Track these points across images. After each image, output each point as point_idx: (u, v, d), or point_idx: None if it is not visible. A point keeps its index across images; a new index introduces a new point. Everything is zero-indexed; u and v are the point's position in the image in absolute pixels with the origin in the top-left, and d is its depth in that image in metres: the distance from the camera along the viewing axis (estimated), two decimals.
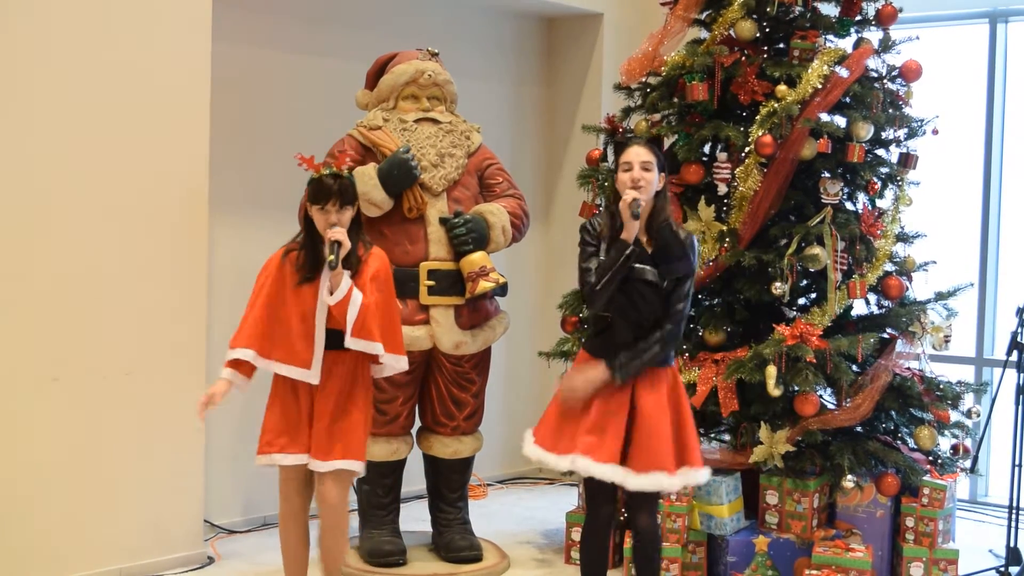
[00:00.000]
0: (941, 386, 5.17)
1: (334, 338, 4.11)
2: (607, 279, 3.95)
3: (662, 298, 4.01)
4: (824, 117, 5.12)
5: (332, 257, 3.98)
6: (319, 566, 4.35)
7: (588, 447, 3.97)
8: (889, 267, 5.24)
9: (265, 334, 4.12)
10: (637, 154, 4.04)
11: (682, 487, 4.14)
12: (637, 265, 3.99)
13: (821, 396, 5.01)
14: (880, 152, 5.39)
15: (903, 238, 5.31)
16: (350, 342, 4.04)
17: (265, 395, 5.89)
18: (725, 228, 5.16)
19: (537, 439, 4.14)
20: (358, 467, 4.19)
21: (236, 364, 4.14)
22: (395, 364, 4.21)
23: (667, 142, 5.47)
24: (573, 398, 4.03)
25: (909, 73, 5.32)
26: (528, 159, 7.12)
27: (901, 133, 5.34)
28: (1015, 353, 4.95)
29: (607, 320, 4.05)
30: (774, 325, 4.94)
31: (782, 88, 5.12)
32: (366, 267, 4.13)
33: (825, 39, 5.35)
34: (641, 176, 4.01)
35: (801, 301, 5.32)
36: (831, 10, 5.47)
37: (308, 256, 4.13)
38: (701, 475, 4.06)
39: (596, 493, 4.13)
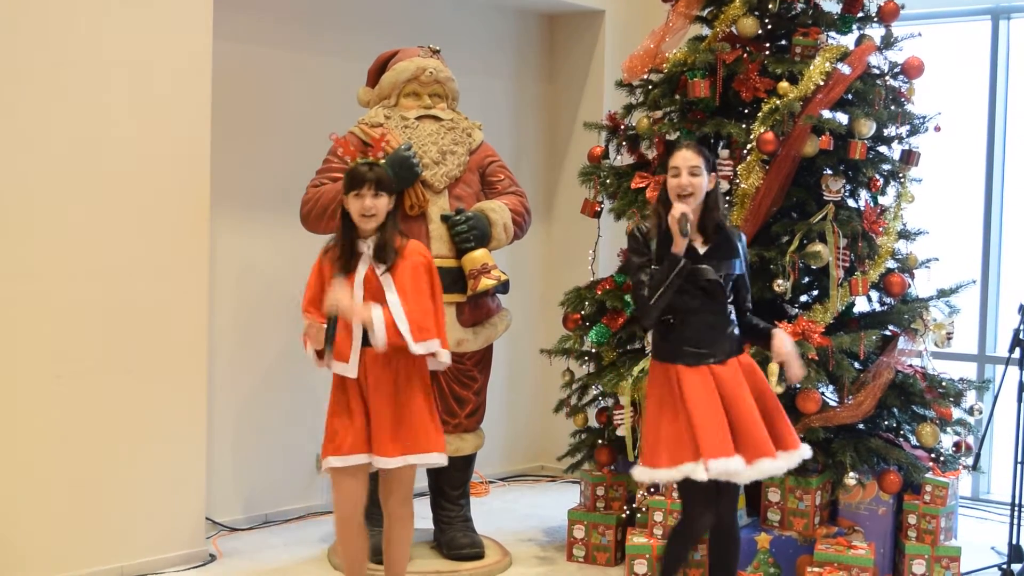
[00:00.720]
0: (943, 383, 5.17)
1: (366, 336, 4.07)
2: (660, 294, 3.95)
3: (724, 299, 4.05)
4: (826, 114, 5.11)
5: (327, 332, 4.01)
6: (385, 569, 4.31)
7: (712, 448, 3.92)
8: (891, 264, 5.23)
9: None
10: (685, 159, 4.06)
11: (787, 470, 4.10)
12: (698, 266, 4.01)
13: (823, 393, 5.00)
14: (882, 149, 5.38)
15: (905, 235, 5.30)
16: (415, 348, 4.03)
17: (269, 396, 5.93)
18: None
19: (645, 461, 4.07)
20: (440, 460, 4.15)
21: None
22: (446, 358, 4.18)
23: (668, 139, 5.46)
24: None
25: (911, 70, 5.31)
26: (530, 156, 7.11)
27: (903, 130, 5.33)
28: (1017, 350, 4.94)
29: (671, 323, 4.05)
30: (776, 322, 4.93)
31: (784, 85, 5.12)
32: (403, 261, 4.10)
33: (827, 36, 5.34)
34: (690, 182, 4.03)
35: (803, 298, 5.31)
36: (833, 7, 5.47)
37: (345, 249, 4.11)
38: (805, 451, 4.09)
39: (696, 493, 4.06)
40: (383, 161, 4.16)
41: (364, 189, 4.05)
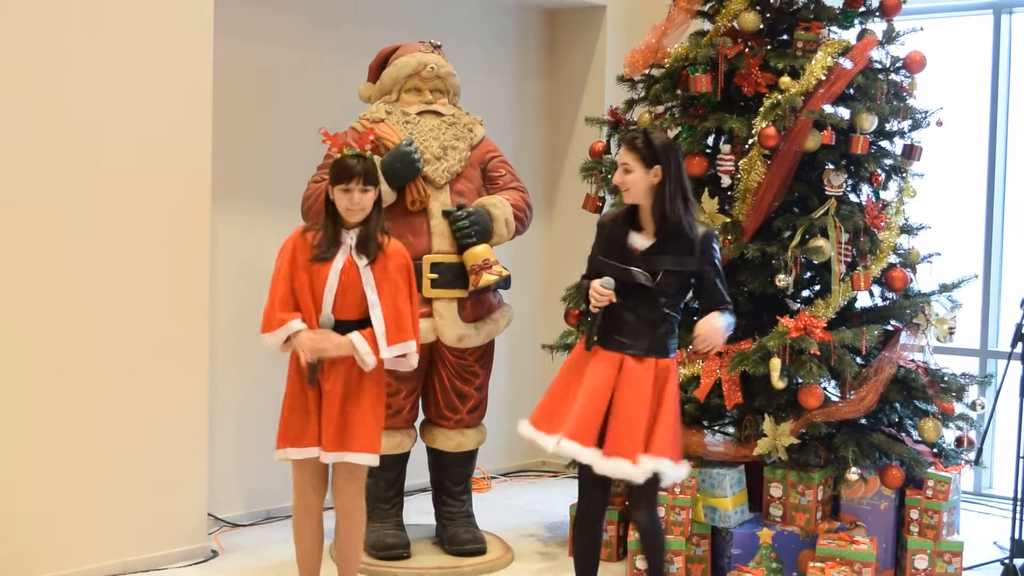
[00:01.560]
0: (945, 378, 5.17)
1: (342, 330, 4.10)
2: (579, 300, 4.00)
3: (657, 299, 4.04)
4: (828, 109, 5.10)
5: (309, 374, 4.07)
6: (336, 563, 4.34)
7: (573, 429, 4.01)
8: (893, 259, 5.23)
9: (287, 310, 4.13)
10: (619, 156, 4.13)
11: (646, 477, 4.04)
12: (630, 268, 4.03)
13: (825, 388, 5.00)
14: (884, 144, 5.37)
15: (907, 230, 5.30)
16: (387, 351, 4.07)
17: (271, 391, 5.91)
18: (729, 220, 5.15)
19: (532, 419, 4.18)
20: (370, 460, 4.17)
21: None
22: (415, 360, 4.22)
23: (671, 134, 5.45)
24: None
25: (913, 64, 5.30)
26: (531, 152, 7.11)
27: (905, 125, 5.33)
28: (1019, 345, 4.94)
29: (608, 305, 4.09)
30: (778, 317, 4.93)
31: (786, 80, 5.11)
32: (386, 259, 4.11)
33: (829, 30, 5.33)
34: (621, 180, 4.08)
35: (805, 293, 5.31)
36: (835, 1, 5.46)
37: (327, 237, 4.11)
38: (665, 466, 4.01)
39: (587, 480, 4.15)
40: (370, 154, 4.14)
41: (352, 183, 4.05)
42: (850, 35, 5.36)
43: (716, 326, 4.03)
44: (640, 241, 4.08)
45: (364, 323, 4.11)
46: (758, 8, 5.33)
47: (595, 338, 4.07)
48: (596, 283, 4.03)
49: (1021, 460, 4.93)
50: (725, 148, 5.19)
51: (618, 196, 5.45)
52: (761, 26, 5.35)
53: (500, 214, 5.13)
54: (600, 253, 4.15)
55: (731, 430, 5.28)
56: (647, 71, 5.63)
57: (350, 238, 4.11)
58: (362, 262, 4.09)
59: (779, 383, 4.80)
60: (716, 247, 4.12)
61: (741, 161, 5.11)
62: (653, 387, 4.04)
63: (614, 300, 4.00)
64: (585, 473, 4.12)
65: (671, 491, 4.95)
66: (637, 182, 4.04)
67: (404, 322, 4.10)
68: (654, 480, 4.04)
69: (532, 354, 6.70)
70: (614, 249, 4.10)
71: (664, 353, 4.08)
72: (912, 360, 5.14)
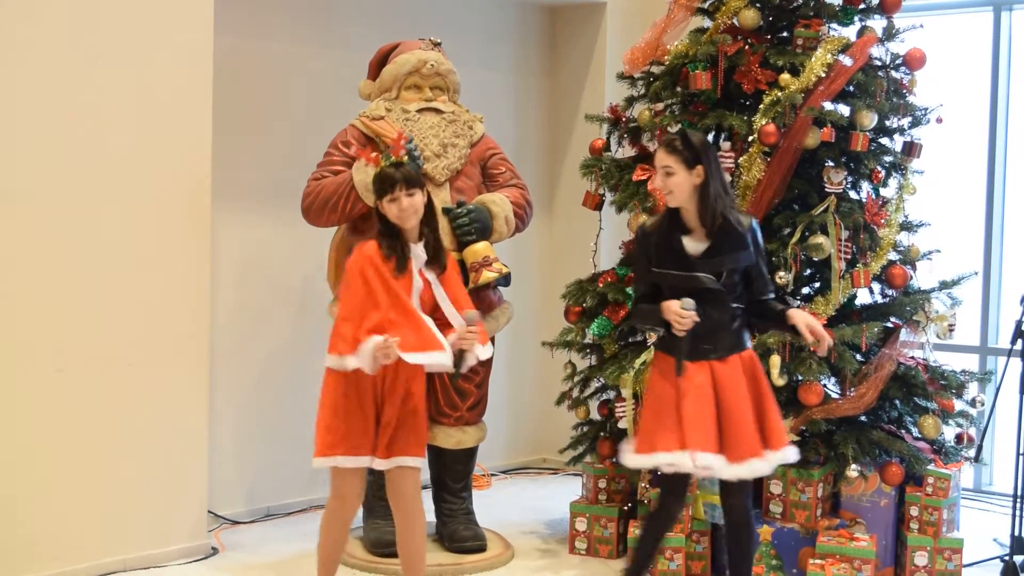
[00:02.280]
0: (945, 375, 5.17)
1: None
2: (640, 324, 4.00)
3: (725, 298, 4.02)
4: (828, 106, 5.10)
5: (455, 370, 4.08)
6: (402, 561, 4.26)
7: (699, 441, 3.94)
8: (893, 256, 5.23)
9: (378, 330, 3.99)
10: (658, 160, 4.06)
11: (772, 469, 4.11)
12: (696, 274, 3.99)
13: (825, 385, 5.00)
14: (884, 141, 5.37)
15: (907, 227, 5.30)
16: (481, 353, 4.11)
17: (271, 389, 5.92)
18: None
19: (637, 449, 4.09)
20: (415, 462, 4.19)
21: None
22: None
23: (670, 131, 5.45)
24: None
25: (913, 61, 5.30)
26: (531, 149, 7.11)
27: (905, 122, 5.32)
28: (1019, 342, 4.94)
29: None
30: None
31: (785, 77, 5.11)
32: (451, 260, 4.17)
33: (829, 27, 5.33)
34: (664, 184, 4.02)
35: (805, 290, 5.31)
36: None
37: (398, 253, 4.04)
38: (789, 454, 4.08)
39: (676, 484, 4.11)
40: (406, 159, 4.11)
41: (397, 191, 4.01)
42: (850, 32, 5.36)
43: (814, 321, 4.06)
44: (694, 245, 4.03)
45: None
46: (758, 5, 5.33)
47: (683, 361, 3.98)
48: (675, 307, 3.93)
49: (1021, 457, 4.93)
50: (725, 145, 5.19)
51: (618, 194, 5.47)
52: (761, 23, 5.35)
53: (500, 211, 5.13)
54: (654, 265, 4.06)
55: None
56: (647, 68, 5.63)
57: (419, 251, 4.09)
58: (432, 275, 4.09)
59: (779, 380, 4.80)
60: (760, 235, 4.14)
61: (741, 158, 5.11)
62: (747, 382, 4.05)
63: (698, 320, 3.93)
64: (674, 479, 4.08)
65: None
66: (681, 184, 3.99)
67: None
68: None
69: (532, 351, 6.70)
70: (669, 258, 4.03)
71: (742, 347, 4.08)
72: (912, 357, 5.15)
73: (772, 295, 4.19)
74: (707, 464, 3.95)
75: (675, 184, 3.99)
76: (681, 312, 3.92)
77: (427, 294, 4.09)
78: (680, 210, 4.05)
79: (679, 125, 5.34)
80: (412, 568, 4.23)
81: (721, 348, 4.04)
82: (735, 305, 4.07)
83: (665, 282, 4.04)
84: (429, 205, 4.14)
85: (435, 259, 4.11)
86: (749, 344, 4.15)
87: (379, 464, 4.10)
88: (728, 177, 5.10)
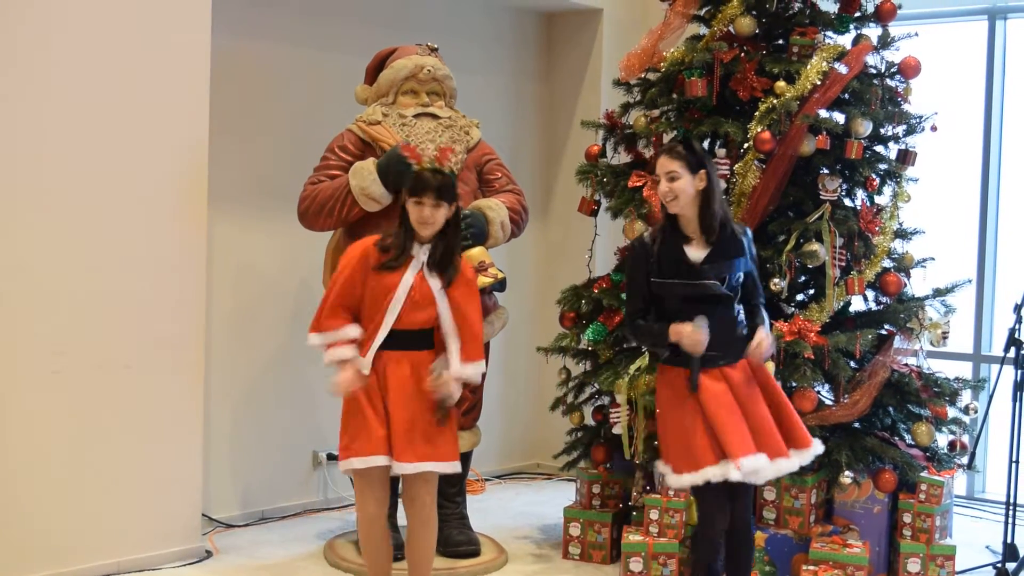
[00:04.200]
0: (939, 382, 5.18)
1: (401, 339, 4.06)
2: (640, 342, 3.92)
3: (732, 304, 4.02)
4: (823, 113, 5.12)
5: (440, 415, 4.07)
6: (409, 564, 4.27)
7: (741, 448, 3.91)
8: (887, 263, 5.24)
9: (338, 315, 4.05)
10: (662, 165, 4.02)
11: (798, 467, 4.10)
12: (704, 281, 3.97)
13: (819, 392, 5.01)
14: (879, 149, 5.38)
15: (901, 234, 5.31)
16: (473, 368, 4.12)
17: (266, 392, 5.92)
18: None
19: (675, 469, 4.03)
20: (449, 468, 4.13)
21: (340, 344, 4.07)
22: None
23: (666, 138, 5.47)
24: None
25: (908, 70, 5.32)
26: (527, 154, 7.12)
27: (900, 130, 5.34)
28: (1013, 349, 4.96)
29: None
30: (772, 321, 4.94)
31: (781, 84, 5.12)
32: (460, 278, 4.10)
33: (824, 35, 5.34)
34: (669, 188, 3.99)
35: (799, 297, 5.32)
36: (830, 6, 5.47)
37: (396, 245, 4.05)
38: (815, 449, 4.08)
39: (716, 499, 4.04)
40: (448, 170, 4.07)
41: (425, 196, 4.00)
42: (845, 40, 5.37)
43: (769, 336, 4.07)
44: (695, 252, 4.01)
45: (427, 332, 4.10)
46: (754, 13, 5.34)
47: (697, 379, 3.96)
48: (688, 329, 3.89)
49: (1014, 464, 4.94)
50: (720, 152, 5.20)
51: (614, 200, 5.47)
52: (757, 31, 5.36)
53: (496, 217, 5.14)
54: (654, 276, 4.01)
55: None
56: (643, 75, 5.63)
57: (423, 253, 4.06)
58: (436, 283, 4.05)
59: None
60: (752, 242, 4.16)
61: (736, 165, 5.12)
62: (759, 385, 4.04)
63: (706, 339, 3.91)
64: (708, 489, 3.99)
65: (665, 494, 4.96)
66: (686, 188, 3.97)
67: (479, 343, 4.13)
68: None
69: (527, 356, 6.71)
70: (670, 267, 4.00)
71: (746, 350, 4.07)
72: (906, 364, 5.15)
73: (763, 300, 4.20)
74: (753, 468, 3.93)
75: (680, 189, 3.97)
76: (697, 335, 3.89)
77: (420, 296, 4.05)
78: (679, 218, 4.04)
79: (675, 132, 5.36)
80: (418, 574, 4.24)
81: (730, 354, 4.03)
82: (738, 310, 4.07)
83: (671, 292, 4.01)
84: (456, 224, 4.10)
85: (438, 265, 4.06)
86: None
87: (402, 468, 4.03)
88: (724, 184, 5.12)
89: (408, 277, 4.03)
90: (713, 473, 3.93)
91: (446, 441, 4.11)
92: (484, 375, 5.25)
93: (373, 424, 4.01)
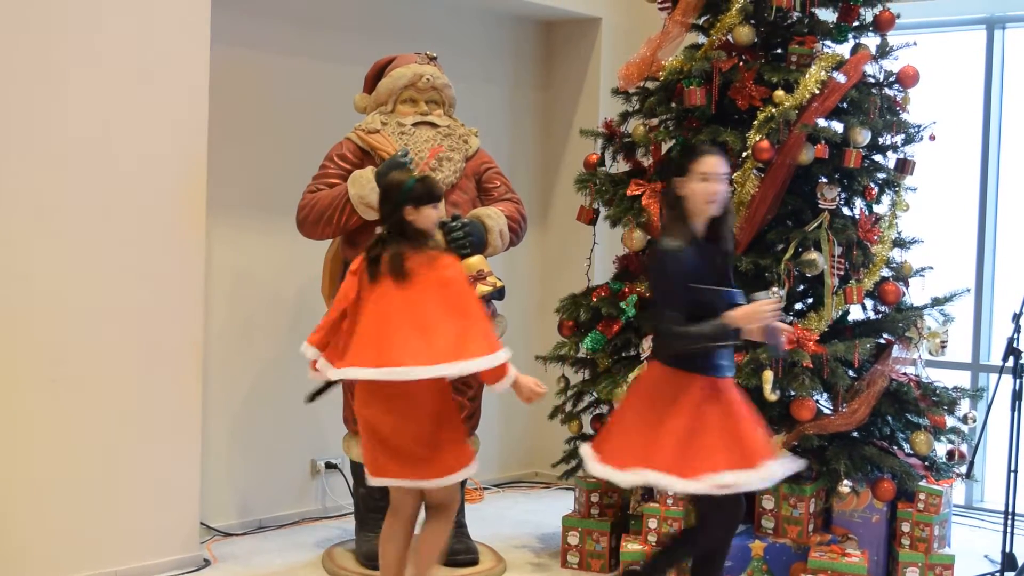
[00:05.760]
0: (937, 391, 5.18)
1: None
2: (692, 346, 3.84)
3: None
4: (821, 122, 5.12)
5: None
6: (415, 550, 4.32)
7: (753, 455, 3.89)
8: (886, 272, 5.25)
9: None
10: (715, 165, 3.97)
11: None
12: (732, 289, 3.99)
13: (817, 401, 5.01)
14: (877, 158, 5.39)
15: (900, 243, 5.32)
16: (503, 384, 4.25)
17: (265, 401, 5.92)
18: None
19: (604, 458, 4.08)
20: (468, 472, 4.28)
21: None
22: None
23: (664, 147, 5.48)
24: None
25: (906, 79, 5.33)
26: (526, 163, 7.12)
27: (898, 139, 5.35)
28: (1011, 359, 4.95)
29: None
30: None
31: (780, 93, 5.13)
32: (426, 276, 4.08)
33: (823, 45, 5.35)
34: (718, 191, 3.97)
35: (798, 306, 5.32)
36: (829, 16, 5.48)
37: (374, 255, 4.12)
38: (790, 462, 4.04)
39: (730, 510, 4.05)
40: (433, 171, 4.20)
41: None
42: (844, 49, 5.38)
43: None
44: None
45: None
46: (753, 22, 5.35)
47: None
48: (752, 307, 3.83)
49: (1012, 474, 4.94)
50: None
51: (612, 209, 5.48)
52: (755, 40, 5.37)
53: (495, 225, 5.14)
54: (693, 282, 3.90)
55: None
56: (642, 84, 5.64)
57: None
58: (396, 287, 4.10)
59: (771, 396, 4.81)
60: None
61: (735, 174, 5.12)
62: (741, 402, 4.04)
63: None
64: (720, 501, 3.97)
65: (663, 503, 4.96)
66: (726, 192, 4.02)
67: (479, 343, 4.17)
68: None
69: (526, 365, 6.63)
70: (708, 273, 3.93)
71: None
72: (904, 373, 5.16)
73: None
74: (771, 474, 3.93)
75: (725, 192, 3.99)
76: (765, 307, 3.82)
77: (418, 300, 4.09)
78: (711, 222, 4.00)
79: (673, 141, 5.36)
80: (422, 565, 4.28)
81: (732, 364, 4.06)
82: None
83: (714, 298, 3.93)
84: (398, 225, 4.15)
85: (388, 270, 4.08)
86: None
87: (427, 484, 4.16)
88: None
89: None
90: (737, 479, 3.88)
91: (461, 448, 4.25)
92: (480, 384, 5.30)
93: (406, 445, 4.13)
